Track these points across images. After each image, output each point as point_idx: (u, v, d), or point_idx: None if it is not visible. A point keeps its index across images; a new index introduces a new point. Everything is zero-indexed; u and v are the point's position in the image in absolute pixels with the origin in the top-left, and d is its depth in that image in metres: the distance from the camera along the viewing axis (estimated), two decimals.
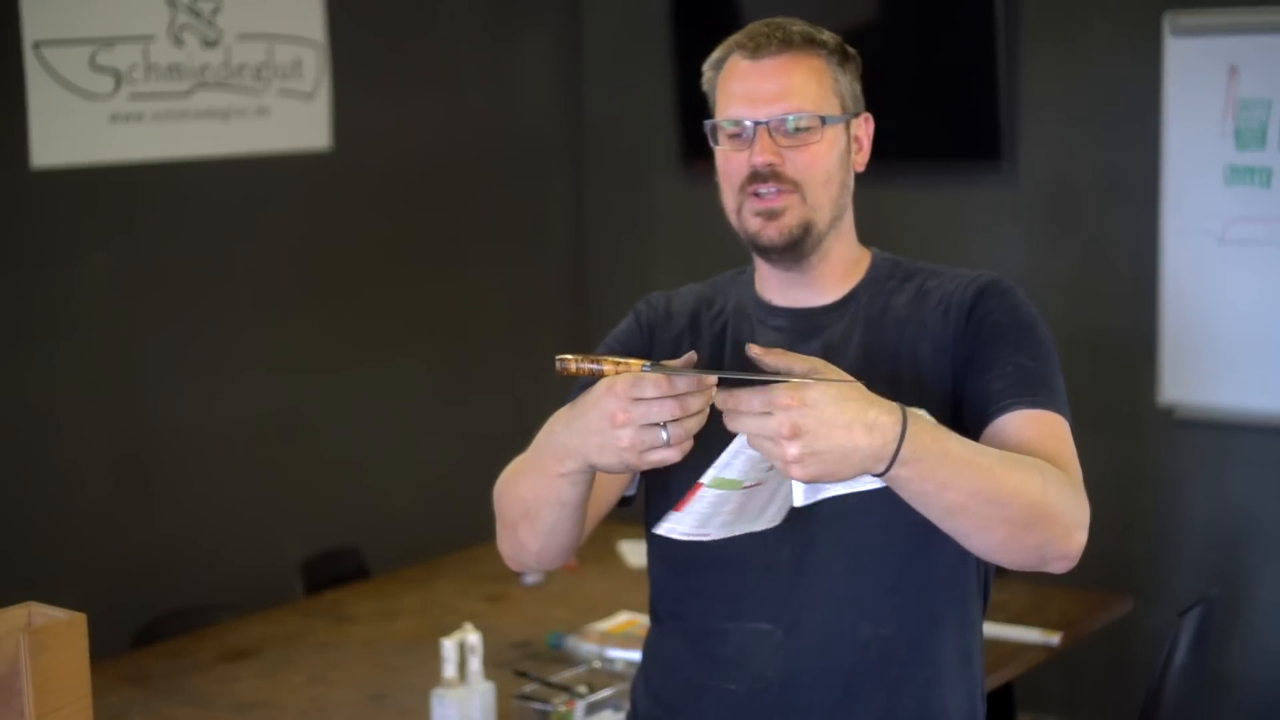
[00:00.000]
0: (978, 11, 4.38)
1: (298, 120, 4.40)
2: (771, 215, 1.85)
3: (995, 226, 4.52)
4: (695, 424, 1.59)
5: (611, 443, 1.60)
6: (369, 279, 4.63)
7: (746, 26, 1.92)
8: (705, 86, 1.95)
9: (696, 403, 1.57)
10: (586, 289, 5.28)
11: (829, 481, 1.57)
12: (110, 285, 4.04)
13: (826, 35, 1.92)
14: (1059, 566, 1.70)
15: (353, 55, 4.51)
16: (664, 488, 1.86)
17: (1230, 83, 4.04)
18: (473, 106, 4.90)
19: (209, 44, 4.17)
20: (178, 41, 4.10)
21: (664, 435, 1.58)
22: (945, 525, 1.65)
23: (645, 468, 1.63)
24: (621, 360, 1.58)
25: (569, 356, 1.62)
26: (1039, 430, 1.77)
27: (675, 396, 1.56)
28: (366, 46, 4.58)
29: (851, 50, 1.94)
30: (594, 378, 1.63)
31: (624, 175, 5.18)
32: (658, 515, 1.74)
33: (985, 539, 1.66)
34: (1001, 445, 1.75)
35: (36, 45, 3.83)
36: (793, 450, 1.52)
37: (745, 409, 1.53)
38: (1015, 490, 1.63)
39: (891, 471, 1.57)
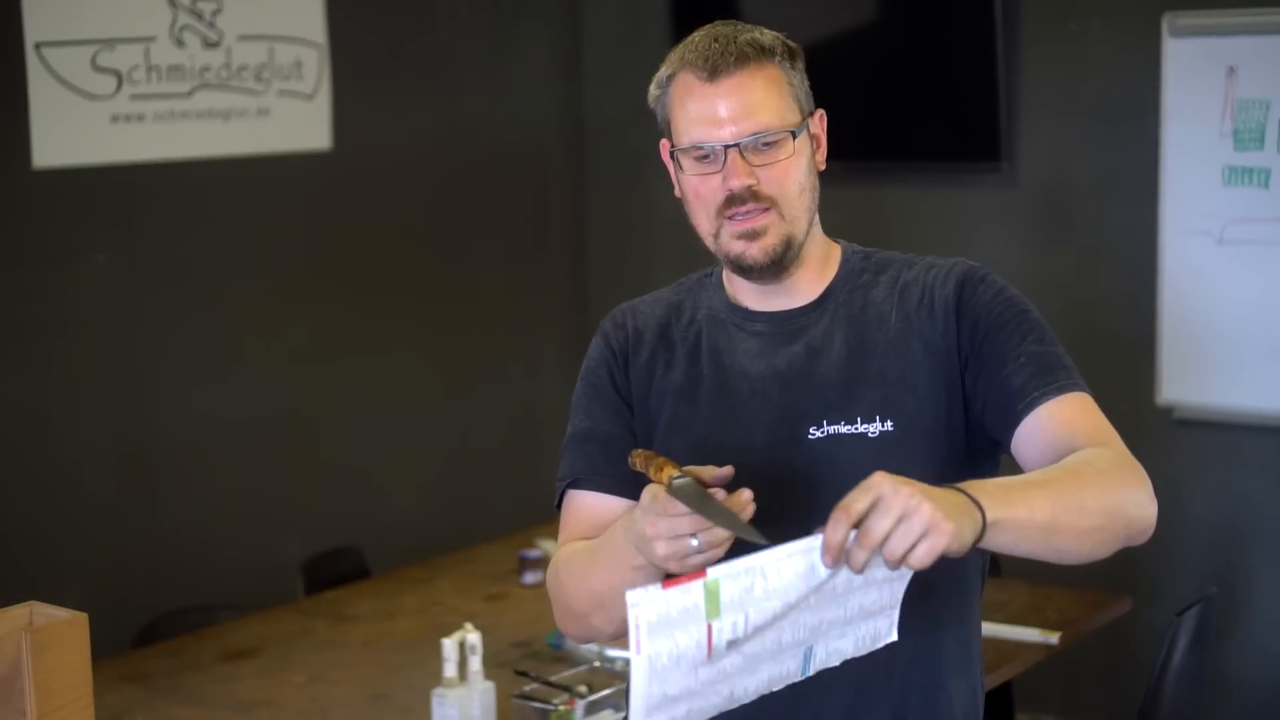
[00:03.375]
0: (977, 11, 4.38)
1: (298, 121, 4.40)
2: (753, 236, 1.83)
3: (995, 227, 4.52)
4: (724, 531, 1.59)
5: (650, 551, 1.64)
6: (369, 279, 4.64)
7: (690, 39, 1.86)
8: (652, 104, 1.90)
9: (719, 528, 1.58)
10: (586, 289, 5.28)
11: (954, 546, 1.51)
12: (110, 285, 4.04)
13: (770, 37, 1.86)
14: (1142, 540, 1.75)
15: (353, 56, 4.52)
16: None
17: (1229, 83, 4.04)
18: (473, 106, 4.90)
19: (210, 45, 4.17)
20: (179, 42, 4.10)
21: (694, 543, 1.60)
22: (1049, 548, 1.65)
23: (693, 570, 1.63)
24: (658, 462, 1.63)
25: (637, 452, 1.68)
26: (1071, 413, 1.79)
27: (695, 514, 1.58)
28: (367, 47, 4.59)
29: (794, 45, 1.89)
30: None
31: (624, 175, 5.18)
32: None
33: (1083, 546, 1.68)
34: (1040, 438, 1.77)
35: (38, 46, 3.83)
36: (947, 524, 1.48)
37: (880, 531, 1.46)
38: (1083, 494, 1.66)
39: (990, 516, 1.55)
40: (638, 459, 1.68)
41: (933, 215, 4.63)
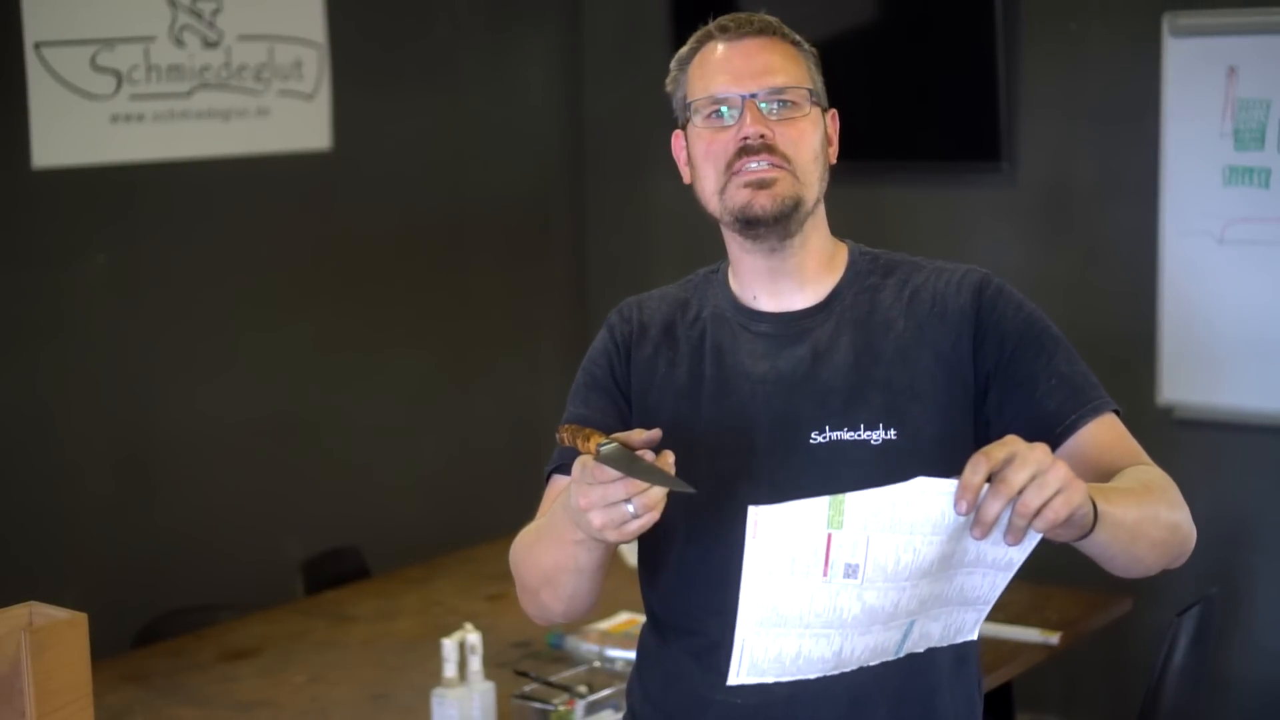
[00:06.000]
0: (977, 11, 4.38)
1: (298, 120, 4.40)
2: (763, 185, 1.83)
3: (994, 227, 4.52)
4: (660, 491, 1.59)
5: (586, 524, 1.63)
6: (369, 279, 4.64)
7: (715, 21, 1.92)
8: (670, 86, 1.93)
9: (652, 485, 1.58)
10: (586, 289, 5.28)
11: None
12: (110, 285, 4.04)
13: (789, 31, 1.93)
14: (1181, 562, 1.81)
15: (353, 56, 4.52)
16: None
17: (1229, 83, 4.04)
18: (473, 106, 4.90)
19: (210, 45, 4.17)
20: (178, 42, 4.10)
21: (630, 509, 1.60)
22: (1129, 555, 1.69)
23: (631, 539, 1.65)
24: (585, 433, 1.62)
25: (565, 427, 1.69)
26: (1110, 437, 1.83)
27: (626, 478, 1.58)
28: (367, 47, 4.59)
29: (814, 50, 1.94)
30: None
31: (624, 175, 5.18)
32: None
33: (1152, 556, 1.73)
34: (1080, 461, 1.78)
35: (37, 46, 3.83)
36: (1081, 484, 1.51)
37: (1017, 482, 1.47)
38: (1158, 506, 1.73)
39: (1100, 507, 1.58)
40: (565, 434, 1.67)
41: (933, 215, 4.63)
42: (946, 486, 1.49)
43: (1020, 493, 1.47)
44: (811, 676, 1.59)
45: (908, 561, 1.51)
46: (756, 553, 1.50)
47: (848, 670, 1.61)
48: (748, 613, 1.52)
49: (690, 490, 1.58)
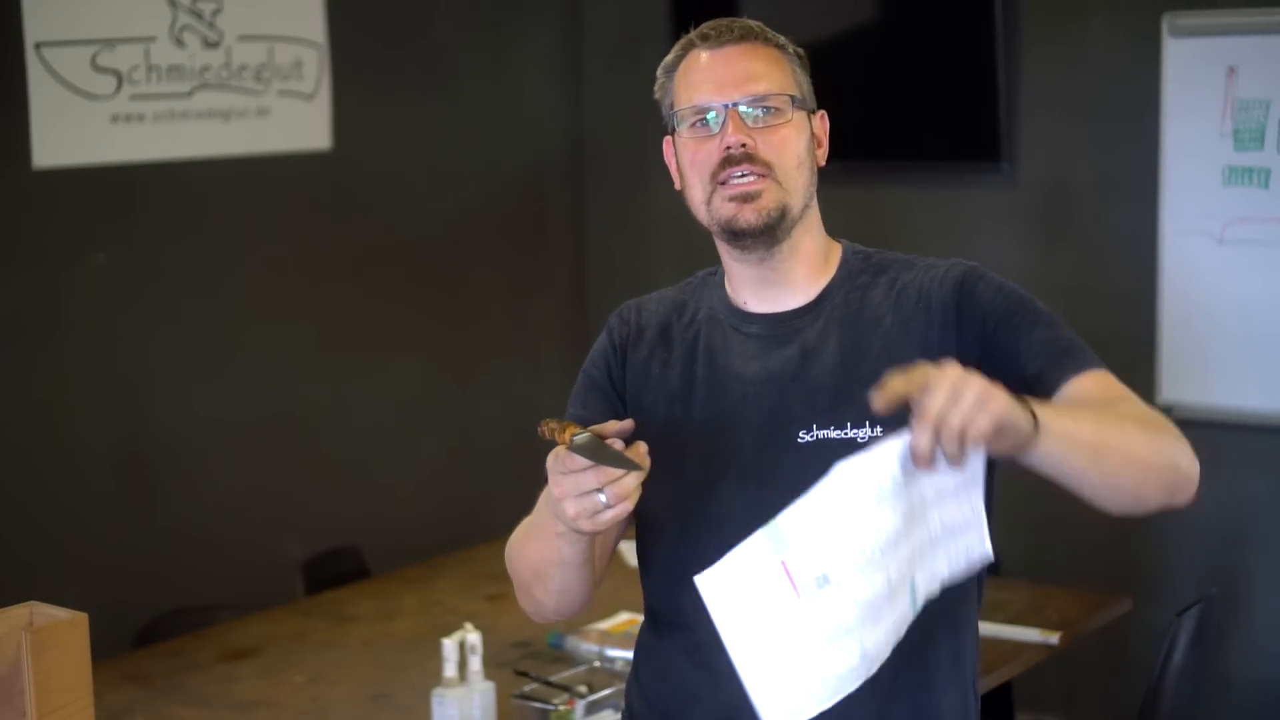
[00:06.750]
0: (976, 12, 4.38)
1: (298, 121, 4.40)
2: (747, 199, 1.84)
3: (994, 227, 4.52)
4: (633, 481, 1.62)
5: (562, 513, 1.66)
6: (369, 279, 4.64)
7: (697, 29, 1.92)
8: (658, 93, 1.94)
9: (621, 474, 1.61)
10: (586, 289, 5.28)
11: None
12: (110, 285, 4.04)
13: (775, 34, 1.93)
14: (1183, 498, 1.75)
15: (353, 56, 4.52)
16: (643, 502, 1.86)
17: (1229, 83, 4.04)
18: (473, 107, 4.90)
19: (210, 45, 4.17)
20: (179, 42, 4.10)
21: (602, 499, 1.62)
22: (1099, 471, 1.66)
23: (604, 529, 1.67)
24: (560, 426, 1.64)
25: (546, 421, 1.70)
26: (1096, 387, 1.80)
27: (598, 467, 1.61)
28: (367, 47, 4.59)
29: (800, 50, 1.94)
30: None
31: (624, 175, 5.18)
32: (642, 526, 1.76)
33: (1131, 472, 1.68)
34: None
35: (38, 46, 3.83)
36: (999, 393, 1.51)
37: (934, 407, 1.49)
38: (1125, 424, 1.69)
39: (1041, 418, 1.57)
40: (545, 429, 1.69)
41: (933, 215, 4.63)
42: (866, 460, 1.51)
43: (943, 417, 1.48)
44: (853, 689, 1.59)
45: (873, 542, 1.51)
46: (723, 614, 1.52)
47: (883, 659, 1.61)
48: (749, 672, 1.54)
49: (646, 465, 1.61)
